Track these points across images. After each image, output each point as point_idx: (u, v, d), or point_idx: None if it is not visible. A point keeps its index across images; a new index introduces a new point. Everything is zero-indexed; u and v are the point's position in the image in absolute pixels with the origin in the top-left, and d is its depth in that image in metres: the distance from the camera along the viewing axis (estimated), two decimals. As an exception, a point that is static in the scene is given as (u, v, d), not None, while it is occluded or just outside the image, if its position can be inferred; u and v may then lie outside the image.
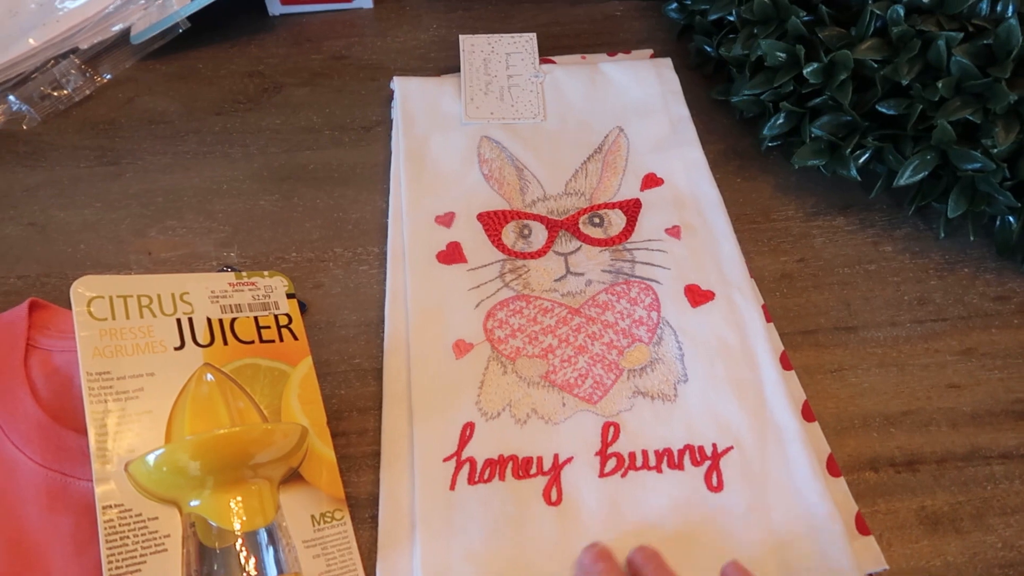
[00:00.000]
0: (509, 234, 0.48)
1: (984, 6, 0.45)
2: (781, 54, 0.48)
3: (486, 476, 0.39)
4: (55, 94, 0.55)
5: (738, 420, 0.41)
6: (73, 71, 0.56)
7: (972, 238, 0.48)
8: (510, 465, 0.40)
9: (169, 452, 0.35)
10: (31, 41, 0.56)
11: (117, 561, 0.33)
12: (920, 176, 0.46)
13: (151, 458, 0.35)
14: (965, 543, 0.39)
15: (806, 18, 0.49)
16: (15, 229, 0.49)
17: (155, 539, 0.35)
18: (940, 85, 0.44)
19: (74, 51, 0.57)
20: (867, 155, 0.48)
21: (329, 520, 0.38)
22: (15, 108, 0.54)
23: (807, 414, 0.42)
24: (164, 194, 0.51)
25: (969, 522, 0.40)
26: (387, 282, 0.46)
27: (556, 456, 0.40)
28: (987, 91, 0.43)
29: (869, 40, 0.46)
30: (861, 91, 0.47)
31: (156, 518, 0.35)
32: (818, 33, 0.48)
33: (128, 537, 0.34)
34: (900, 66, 0.45)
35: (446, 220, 0.49)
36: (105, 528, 0.34)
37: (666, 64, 0.57)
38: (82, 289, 0.39)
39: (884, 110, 0.46)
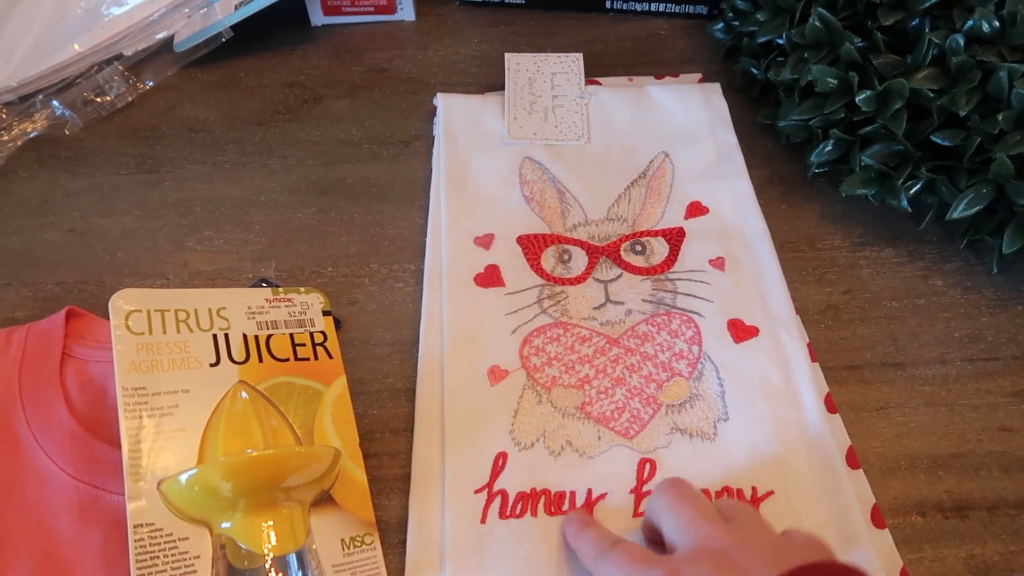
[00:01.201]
0: (549, 259, 0.47)
1: (1049, 37, 0.43)
2: (832, 80, 0.47)
3: (518, 511, 0.38)
4: (98, 100, 0.56)
5: (779, 464, 0.40)
6: (116, 77, 0.56)
7: (1028, 275, 0.46)
8: (542, 500, 0.39)
9: (202, 472, 0.35)
10: (76, 47, 0.57)
11: (147, 581, 0.33)
12: (975, 210, 0.44)
13: (184, 478, 0.34)
14: (1016, 595, 0.38)
15: (860, 44, 0.47)
16: (55, 235, 0.49)
17: (185, 560, 0.34)
18: (1000, 118, 0.42)
19: (118, 58, 0.57)
20: (919, 186, 0.46)
21: (359, 544, 0.38)
22: (58, 113, 0.55)
23: (851, 460, 0.41)
24: (202, 204, 0.51)
25: (1022, 573, 0.38)
26: (423, 302, 0.46)
27: (589, 492, 0.39)
28: (1050, 125, 0.42)
29: (926, 69, 0.45)
30: (915, 120, 0.46)
31: (187, 538, 0.34)
32: (872, 60, 0.46)
33: (158, 557, 0.34)
34: (958, 97, 0.44)
35: (485, 242, 0.48)
36: (136, 547, 0.34)
37: (715, 90, 0.55)
38: (121, 302, 0.38)
39: (939, 141, 0.45)
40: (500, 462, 0.40)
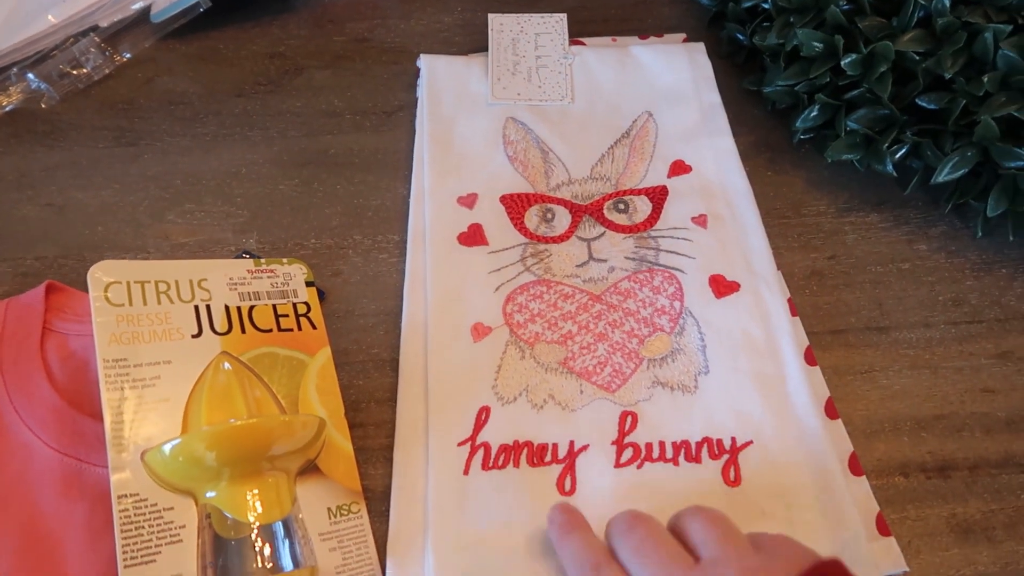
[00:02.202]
0: (532, 217, 0.47)
1: (1034, -3, 0.43)
2: (818, 44, 0.47)
3: (500, 462, 0.39)
4: (74, 73, 0.55)
5: (759, 414, 0.40)
6: (92, 49, 0.55)
7: (1012, 238, 0.46)
8: (525, 451, 0.39)
9: (185, 442, 0.34)
10: (50, 18, 0.55)
11: (132, 551, 0.33)
12: (960, 173, 0.44)
13: (167, 448, 0.34)
14: (997, 552, 0.38)
15: (845, 7, 0.47)
16: (33, 209, 0.49)
17: (170, 529, 0.34)
18: (986, 79, 0.42)
19: (94, 29, 0.56)
20: (904, 150, 0.46)
21: (346, 513, 0.38)
22: (34, 86, 0.54)
23: (830, 411, 0.41)
24: (183, 177, 0.50)
25: (1002, 531, 0.39)
26: (407, 264, 0.46)
27: (572, 443, 0.40)
28: (1034, 86, 0.42)
29: (912, 31, 0.45)
30: (900, 84, 0.46)
31: (171, 508, 0.34)
32: (858, 23, 0.46)
33: (143, 527, 0.34)
34: (944, 59, 0.43)
35: (468, 201, 0.48)
36: (120, 517, 0.33)
37: (699, 49, 0.55)
38: (100, 274, 0.38)
39: (925, 104, 0.45)
40: (483, 416, 0.40)
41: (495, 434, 0.40)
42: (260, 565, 0.33)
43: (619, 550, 0.33)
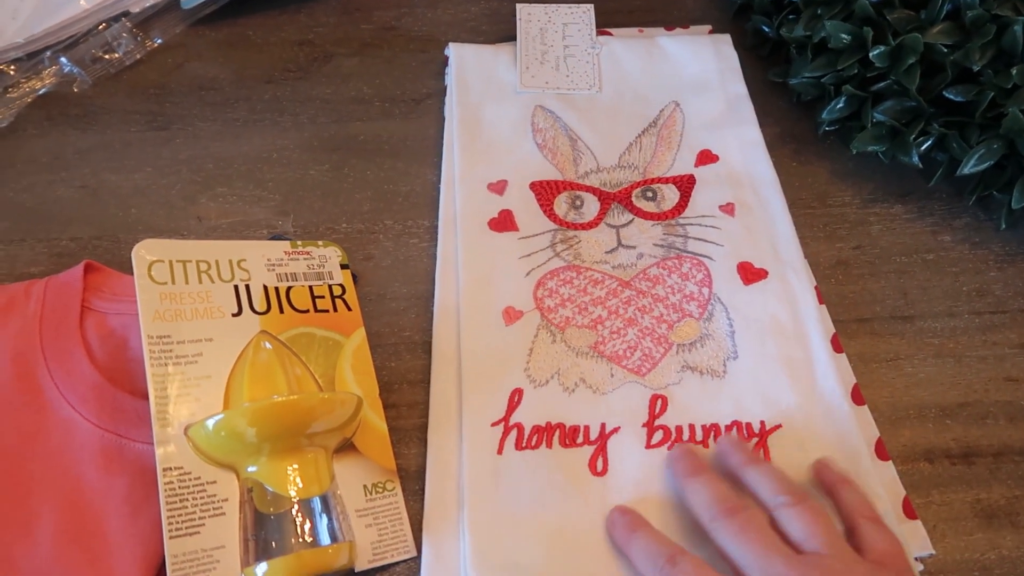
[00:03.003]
0: (561, 204, 0.48)
1: (1064, -9, 0.43)
2: (846, 36, 0.47)
3: (533, 443, 0.39)
4: (106, 57, 0.55)
5: (787, 399, 0.41)
6: (124, 34, 0.56)
7: (1035, 230, 0.47)
8: (557, 433, 0.40)
9: (228, 418, 0.35)
10: (83, 3, 0.56)
11: (177, 522, 0.34)
12: (985, 165, 0.45)
13: (210, 423, 0.35)
14: (1021, 537, 0.39)
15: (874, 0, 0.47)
16: (67, 191, 0.49)
17: (213, 502, 0.35)
18: (1014, 72, 0.42)
19: (125, 14, 0.57)
20: (930, 142, 0.47)
21: (381, 491, 0.38)
22: (66, 70, 0.54)
23: (856, 397, 0.42)
24: (214, 161, 0.51)
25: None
26: (438, 249, 0.46)
27: (603, 426, 0.40)
28: (1062, 79, 0.42)
29: (940, 24, 0.45)
30: (928, 76, 0.46)
31: (215, 482, 0.35)
32: (886, 15, 0.46)
33: (187, 500, 0.34)
34: (972, 51, 0.44)
35: (498, 188, 0.48)
36: (165, 490, 0.34)
37: (725, 40, 0.56)
38: (143, 252, 0.39)
39: (952, 96, 0.45)
40: (516, 398, 0.41)
41: (528, 415, 0.40)
42: (300, 539, 0.34)
43: (716, 532, 0.34)
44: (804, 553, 0.32)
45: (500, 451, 0.39)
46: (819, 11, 0.49)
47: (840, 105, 0.49)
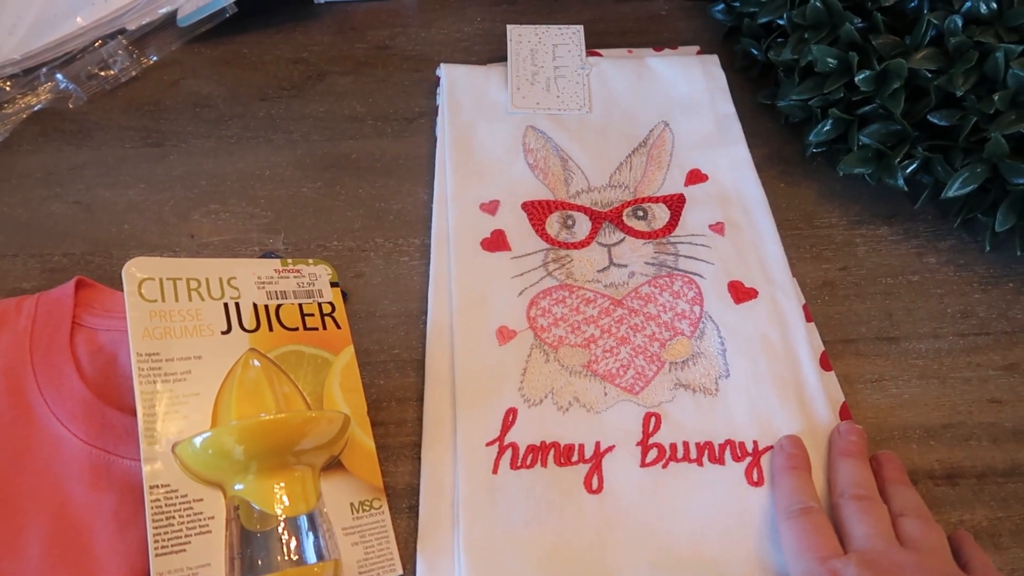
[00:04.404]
0: (553, 224, 0.48)
1: (1045, 19, 0.44)
2: (832, 60, 0.48)
3: (528, 462, 0.40)
4: (102, 74, 0.56)
5: (778, 417, 0.41)
6: (120, 52, 0.56)
7: (1019, 252, 0.47)
8: (552, 452, 0.40)
9: (215, 435, 0.35)
10: (79, 20, 0.56)
11: (163, 540, 0.34)
12: (969, 188, 0.45)
13: (198, 440, 0.35)
14: (1004, 559, 0.39)
15: (860, 25, 0.48)
16: (61, 207, 0.49)
17: (200, 520, 0.35)
18: (996, 98, 0.43)
19: (121, 32, 0.57)
20: (915, 165, 0.47)
21: (368, 509, 0.39)
22: (62, 86, 0.55)
23: (845, 415, 0.42)
24: (208, 178, 0.51)
25: (1008, 538, 0.40)
26: (431, 267, 0.47)
27: (598, 444, 0.41)
28: (1044, 105, 0.43)
29: (924, 49, 0.46)
30: (912, 100, 0.47)
31: (201, 500, 0.35)
32: (872, 40, 0.47)
33: (174, 517, 0.35)
34: (955, 77, 0.44)
35: (491, 208, 0.49)
36: (152, 507, 0.34)
37: (713, 61, 0.56)
38: (134, 270, 0.39)
39: (936, 121, 0.46)
40: (510, 417, 0.41)
41: (522, 435, 0.41)
42: (285, 557, 0.34)
43: (845, 506, 0.37)
44: (907, 548, 0.35)
45: (495, 471, 0.39)
46: (806, 35, 0.50)
47: (827, 128, 0.50)
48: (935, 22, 0.46)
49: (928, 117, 0.46)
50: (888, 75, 0.46)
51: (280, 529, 0.35)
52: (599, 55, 0.57)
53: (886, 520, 0.36)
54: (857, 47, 0.48)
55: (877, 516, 0.36)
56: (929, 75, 0.46)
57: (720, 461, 0.40)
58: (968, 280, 0.48)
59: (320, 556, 0.35)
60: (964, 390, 0.44)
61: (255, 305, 0.41)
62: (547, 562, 0.37)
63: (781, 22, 0.52)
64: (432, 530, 0.38)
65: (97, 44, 0.57)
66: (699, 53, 0.58)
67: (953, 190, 0.46)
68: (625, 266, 0.47)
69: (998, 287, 0.48)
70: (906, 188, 0.47)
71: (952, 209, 0.49)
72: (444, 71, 0.55)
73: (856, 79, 0.47)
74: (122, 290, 0.39)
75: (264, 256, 0.46)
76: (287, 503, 0.35)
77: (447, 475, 0.40)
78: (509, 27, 0.57)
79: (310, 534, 0.36)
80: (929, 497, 0.41)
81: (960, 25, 0.45)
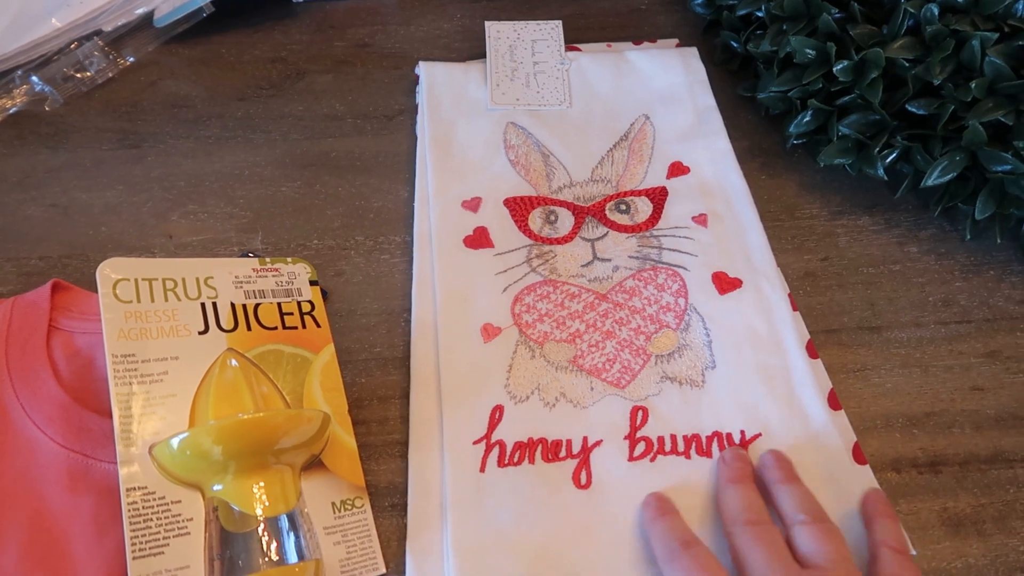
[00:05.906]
0: (536, 219, 0.48)
1: (1020, 6, 0.44)
2: (811, 51, 0.48)
3: (516, 459, 0.40)
4: (78, 76, 0.55)
5: (766, 407, 0.41)
6: (96, 53, 0.56)
7: (999, 240, 0.47)
8: (539, 448, 0.40)
9: (193, 436, 0.35)
10: (55, 22, 0.56)
11: (140, 543, 0.33)
12: (949, 177, 0.45)
13: (175, 442, 0.35)
14: (987, 545, 0.39)
15: (837, 15, 0.48)
16: (37, 210, 0.49)
17: (178, 522, 0.35)
18: (973, 86, 0.43)
19: (97, 33, 0.57)
20: (895, 155, 0.47)
21: (350, 508, 0.38)
22: (38, 89, 0.54)
23: (833, 403, 0.42)
24: (186, 178, 0.51)
25: (991, 525, 0.40)
26: (414, 266, 0.46)
27: (585, 439, 0.40)
28: (1021, 93, 0.43)
29: (901, 39, 0.46)
30: (891, 90, 0.47)
31: (179, 501, 0.35)
32: (849, 31, 0.47)
33: (151, 519, 0.34)
34: (932, 65, 0.44)
35: (472, 205, 0.49)
36: (129, 510, 0.34)
37: (692, 53, 0.56)
38: (108, 271, 0.38)
39: (914, 110, 0.46)
40: (497, 415, 0.41)
41: (509, 432, 0.40)
42: (266, 558, 0.34)
43: (735, 536, 0.35)
44: (807, 567, 0.34)
45: (483, 469, 0.39)
46: (784, 27, 0.50)
47: (807, 119, 0.50)
48: (912, 11, 0.46)
49: (906, 106, 0.46)
50: (866, 65, 0.46)
51: (260, 530, 0.35)
52: (578, 50, 0.57)
53: (780, 543, 0.35)
54: (835, 37, 0.48)
55: (770, 540, 0.35)
56: (907, 64, 0.46)
57: (707, 453, 0.40)
58: (949, 269, 0.48)
59: (301, 556, 0.35)
60: (946, 378, 0.44)
61: (233, 305, 0.41)
62: (536, 559, 0.37)
63: (760, 14, 0.52)
64: (420, 530, 0.38)
65: (73, 46, 0.56)
66: (678, 46, 0.58)
67: (933, 179, 0.46)
68: (609, 260, 0.47)
69: (979, 275, 0.48)
70: (886, 178, 0.47)
71: (932, 198, 0.49)
72: (423, 69, 0.55)
73: (834, 70, 0.47)
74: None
75: (243, 255, 0.46)
76: (267, 503, 0.35)
77: (434, 475, 0.39)
78: (488, 23, 0.57)
79: (291, 534, 0.35)
80: (913, 485, 0.41)
81: (936, 14, 0.45)
